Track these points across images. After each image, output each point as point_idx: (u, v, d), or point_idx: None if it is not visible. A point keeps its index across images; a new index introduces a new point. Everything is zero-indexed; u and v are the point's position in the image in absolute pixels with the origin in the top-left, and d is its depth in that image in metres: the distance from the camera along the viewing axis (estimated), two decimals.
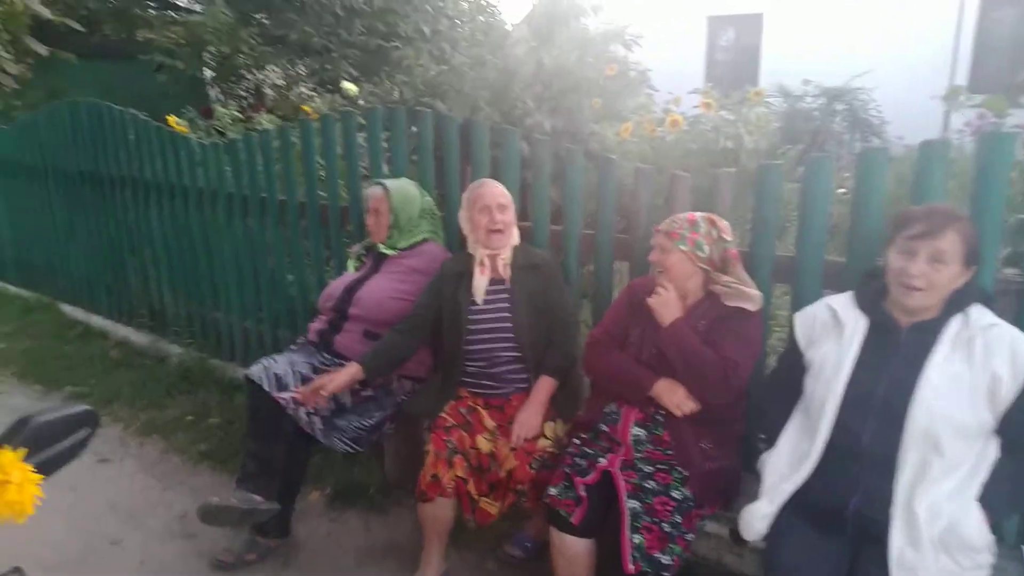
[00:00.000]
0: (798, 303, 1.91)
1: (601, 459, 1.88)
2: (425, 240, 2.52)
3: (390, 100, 4.40)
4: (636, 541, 1.72)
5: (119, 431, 3.22)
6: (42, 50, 6.84)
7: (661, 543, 1.72)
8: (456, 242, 2.36)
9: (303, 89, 5.60)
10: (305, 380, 2.25)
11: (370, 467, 2.76)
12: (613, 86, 4.50)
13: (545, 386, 2.15)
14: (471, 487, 2.08)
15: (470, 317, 2.18)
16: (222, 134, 4.50)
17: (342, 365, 2.34)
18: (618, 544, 1.74)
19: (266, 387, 2.17)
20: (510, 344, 2.18)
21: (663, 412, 1.86)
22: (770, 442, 1.75)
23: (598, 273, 2.36)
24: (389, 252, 2.49)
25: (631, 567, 1.70)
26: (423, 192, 2.56)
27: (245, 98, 5.60)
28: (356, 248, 2.68)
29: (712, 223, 1.86)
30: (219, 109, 4.63)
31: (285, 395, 2.18)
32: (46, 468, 0.78)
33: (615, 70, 4.54)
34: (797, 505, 1.59)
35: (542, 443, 2.09)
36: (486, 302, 2.19)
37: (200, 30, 6.38)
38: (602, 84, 4.40)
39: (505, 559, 2.32)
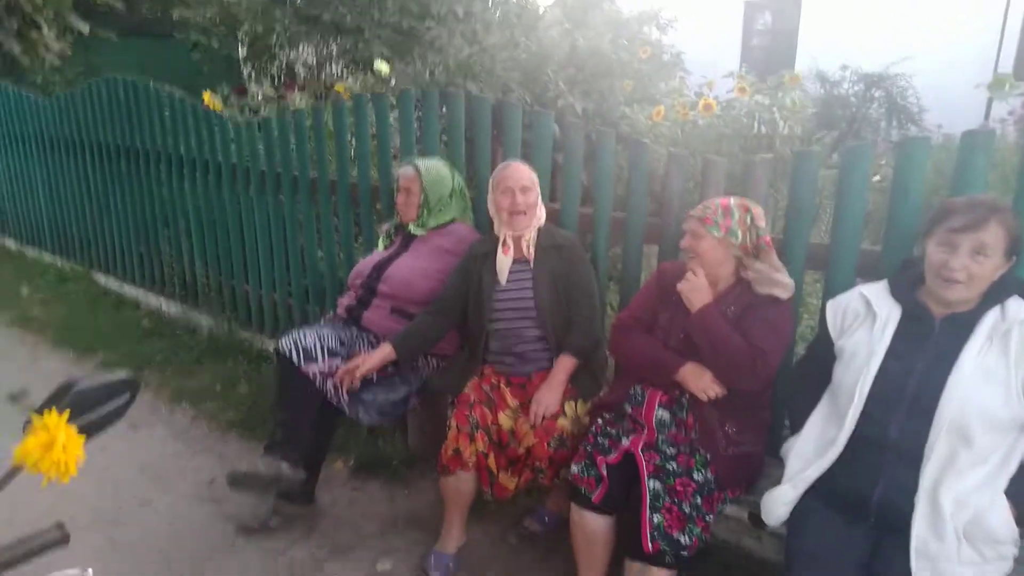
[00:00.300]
0: (831, 291, 1.89)
1: (624, 440, 1.89)
2: (454, 220, 2.53)
3: (422, 80, 4.40)
4: (655, 521, 1.73)
5: (150, 398, 3.31)
6: (84, 28, 6.98)
7: (680, 523, 1.73)
8: (486, 223, 2.37)
9: (335, 68, 5.63)
10: (332, 353, 2.29)
11: (394, 440, 2.81)
12: (646, 69, 4.45)
13: (565, 365, 2.16)
14: (491, 462, 2.11)
15: (494, 296, 2.20)
16: (255, 112, 4.55)
17: (370, 339, 2.38)
18: (638, 523, 1.75)
19: (295, 360, 2.21)
20: (533, 323, 2.19)
21: (688, 396, 1.86)
22: (795, 428, 1.74)
23: (627, 256, 2.35)
24: (418, 232, 2.50)
25: (649, 546, 1.72)
26: (454, 172, 2.57)
27: (278, 77, 5.64)
28: (386, 226, 2.71)
29: (746, 209, 1.84)
30: (252, 87, 4.68)
31: (313, 368, 2.22)
32: (87, 431, 0.80)
33: (648, 53, 4.49)
34: (820, 492, 1.59)
35: (561, 422, 2.10)
36: (510, 282, 2.20)
37: (234, 9, 6.44)
38: (635, 67, 4.35)
39: (524, 533, 2.36)
